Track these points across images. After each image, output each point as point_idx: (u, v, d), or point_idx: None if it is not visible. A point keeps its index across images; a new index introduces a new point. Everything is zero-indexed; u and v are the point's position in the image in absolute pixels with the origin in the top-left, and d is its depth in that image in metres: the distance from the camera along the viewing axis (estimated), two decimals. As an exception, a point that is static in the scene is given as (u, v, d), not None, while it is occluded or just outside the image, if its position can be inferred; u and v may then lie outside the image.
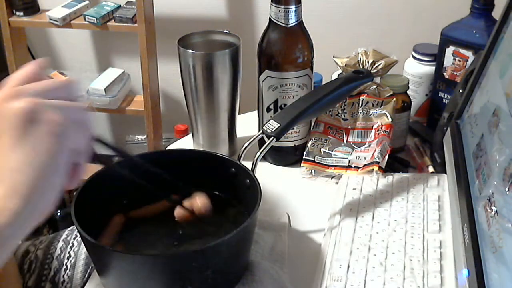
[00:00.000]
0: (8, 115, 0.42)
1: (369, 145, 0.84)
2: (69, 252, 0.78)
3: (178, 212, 0.66)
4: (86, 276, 0.76)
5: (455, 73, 0.90)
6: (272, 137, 0.71)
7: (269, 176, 0.84)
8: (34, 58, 1.97)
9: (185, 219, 0.66)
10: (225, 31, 0.88)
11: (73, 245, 0.79)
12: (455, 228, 0.65)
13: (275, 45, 0.80)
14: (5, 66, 1.69)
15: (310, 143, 0.86)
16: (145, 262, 0.56)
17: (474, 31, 0.86)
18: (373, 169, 0.79)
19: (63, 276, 0.76)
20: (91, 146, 0.48)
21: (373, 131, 0.85)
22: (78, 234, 0.81)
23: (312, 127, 0.88)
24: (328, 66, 0.95)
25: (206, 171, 0.71)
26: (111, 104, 1.66)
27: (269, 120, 0.72)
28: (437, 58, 0.92)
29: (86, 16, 1.61)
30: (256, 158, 0.69)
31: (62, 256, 0.78)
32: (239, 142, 0.93)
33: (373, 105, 0.86)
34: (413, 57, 0.98)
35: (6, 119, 0.42)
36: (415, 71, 0.97)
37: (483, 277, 0.52)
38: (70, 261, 0.77)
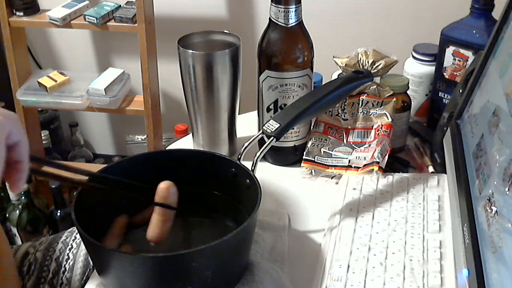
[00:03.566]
0: None
1: (369, 145, 0.85)
2: (67, 254, 0.78)
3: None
4: (85, 278, 0.76)
5: (455, 73, 0.90)
6: (272, 137, 0.71)
7: (269, 176, 0.84)
8: (34, 58, 1.97)
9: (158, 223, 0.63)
10: (225, 31, 0.88)
11: (72, 247, 0.79)
12: (455, 228, 0.65)
13: (275, 45, 0.80)
14: (5, 66, 1.69)
15: (310, 143, 0.86)
16: (145, 262, 0.56)
17: (474, 31, 0.86)
18: (373, 169, 0.79)
19: (62, 278, 0.76)
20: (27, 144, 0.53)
21: (373, 131, 0.85)
22: (76, 236, 0.80)
23: (312, 127, 0.88)
24: (328, 66, 0.95)
25: (206, 171, 0.71)
26: (111, 104, 1.66)
27: (269, 120, 0.72)
28: (437, 58, 0.92)
29: (86, 16, 1.61)
30: (256, 158, 0.69)
31: (61, 258, 0.77)
32: (239, 142, 0.93)
33: (373, 105, 0.86)
34: (413, 57, 0.98)
35: None
36: (415, 71, 0.97)
37: (483, 277, 0.52)
38: (69, 263, 0.77)
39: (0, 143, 0.49)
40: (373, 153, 0.81)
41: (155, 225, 0.63)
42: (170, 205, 0.63)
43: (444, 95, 0.93)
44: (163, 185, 0.63)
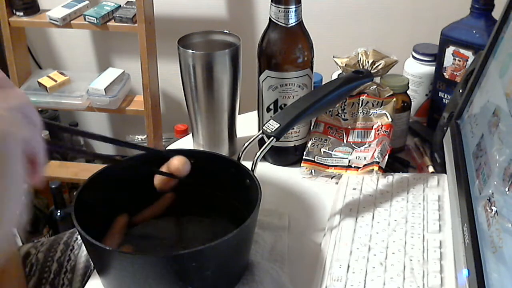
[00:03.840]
0: None
1: (369, 145, 0.85)
2: (69, 255, 0.78)
3: (156, 179, 0.66)
4: (86, 279, 0.76)
5: (455, 73, 0.90)
6: (272, 137, 0.71)
7: (269, 176, 0.84)
8: (34, 58, 1.97)
9: (165, 185, 0.66)
10: (225, 31, 0.88)
11: (73, 248, 0.79)
12: (455, 228, 0.65)
13: (275, 45, 0.80)
14: (5, 66, 1.69)
15: (310, 143, 0.86)
16: (145, 263, 0.56)
17: (474, 31, 0.86)
18: (373, 169, 0.79)
19: (63, 279, 0.76)
20: (42, 136, 0.46)
21: (373, 131, 0.85)
22: (78, 236, 0.80)
23: (312, 127, 0.88)
24: (328, 66, 0.95)
25: (206, 171, 0.71)
26: (111, 104, 1.66)
27: (269, 120, 0.72)
28: (437, 58, 0.92)
29: (86, 16, 1.61)
30: (256, 158, 0.69)
31: (62, 259, 0.77)
32: (239, 142, 0.93)
33: (373, 105, 0.86)
34: (413, 57, 0.98)
35: None
36: (415, 71, 0.97)
37: (483, 277, 0.52)
38: (70, 264, 0.77)
39: (15, 157, 0.42)
40: (373, 153, 0.81)
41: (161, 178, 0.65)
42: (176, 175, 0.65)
43: (444, 95, 0.93)
44: (176, 161, 0.65)
